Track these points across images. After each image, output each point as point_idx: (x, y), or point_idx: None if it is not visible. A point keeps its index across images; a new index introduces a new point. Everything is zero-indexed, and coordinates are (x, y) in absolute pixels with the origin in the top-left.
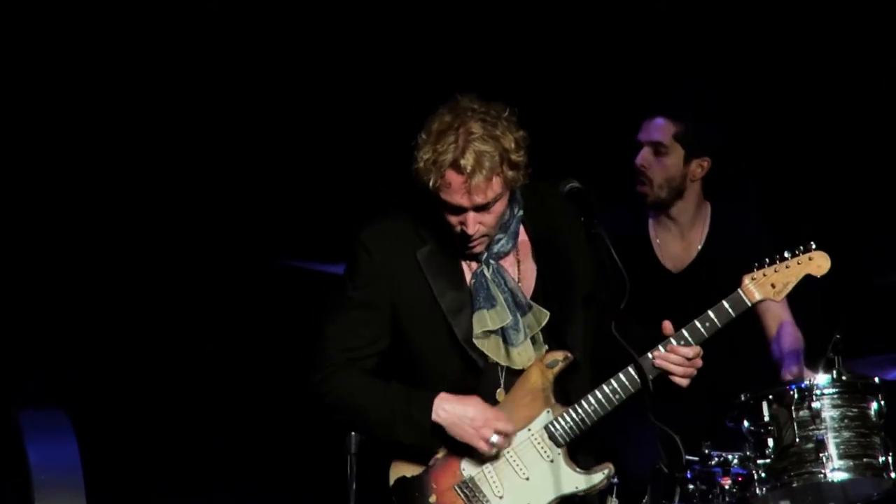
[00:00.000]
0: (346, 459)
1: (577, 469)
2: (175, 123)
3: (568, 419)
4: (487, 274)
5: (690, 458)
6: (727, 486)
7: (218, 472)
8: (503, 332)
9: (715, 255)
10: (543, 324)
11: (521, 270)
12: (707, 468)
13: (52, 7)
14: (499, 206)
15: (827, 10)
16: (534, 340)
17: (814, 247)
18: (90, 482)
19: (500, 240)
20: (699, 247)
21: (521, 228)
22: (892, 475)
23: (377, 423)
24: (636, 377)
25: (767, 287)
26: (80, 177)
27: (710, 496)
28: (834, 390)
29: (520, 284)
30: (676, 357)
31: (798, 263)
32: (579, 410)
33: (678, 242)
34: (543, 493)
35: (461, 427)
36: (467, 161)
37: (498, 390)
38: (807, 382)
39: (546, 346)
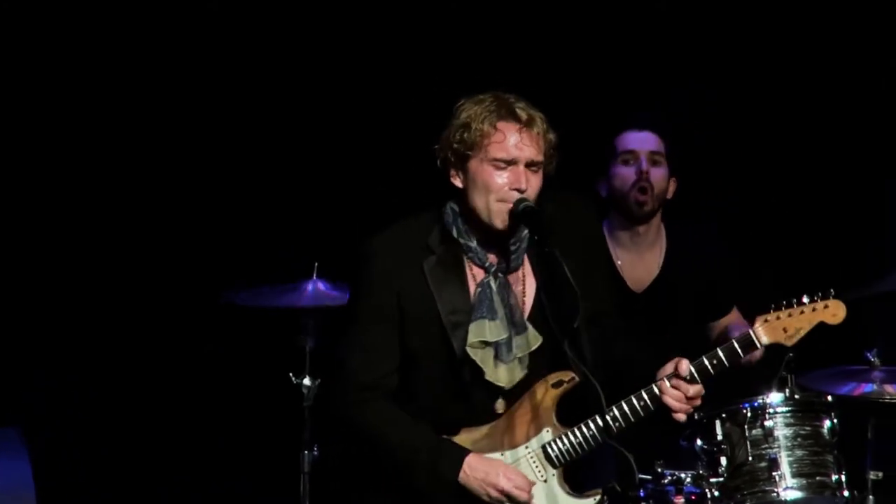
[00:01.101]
0: (299, 479)
1: (569, 491)
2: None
3: (566, 441)
4: (493, 286)
5: (643, 476)
6: None
7: (174, 484)
8: (496, 347)
9: (675, 276)
10: (534, 348)
11: (523, 290)
12: (660, 487)
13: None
14: (541, 176)
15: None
16: (519, 361)
17: (832, 294)
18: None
19: (515, 250)
20: (658, 267)
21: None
22: (846, 493)
23: (400, 463)
24: (639, 407)
25: (780, 331)
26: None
27: None
28: (787, 409)
29: (519, 303)
30: (678, 393)
31: (813, 310)
32: (578, 434)
33: (638, 262)
34: None
35: (486, 491)
36: (522, 112)
37: (498, 401)
38: (760, 401)
39: (527, 371)
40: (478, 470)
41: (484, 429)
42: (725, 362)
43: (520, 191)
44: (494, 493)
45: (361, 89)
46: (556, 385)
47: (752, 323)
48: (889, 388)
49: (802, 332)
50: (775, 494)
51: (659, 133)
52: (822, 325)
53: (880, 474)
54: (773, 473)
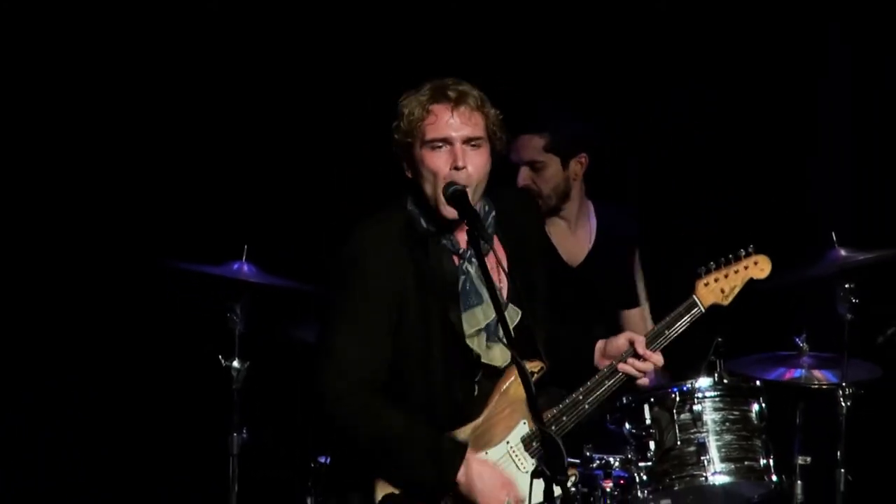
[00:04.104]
0: (228, 461)
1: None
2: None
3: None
4: (472, 271)
5: (572, 460)
6: (608, 489)
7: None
8: (486, 329)
9: (605, 251)
10: (515, 322)
11: (498, 268)
12: (588, 471)
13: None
14: (483, 153)
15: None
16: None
17: (754, 250)
18: None
19: (485, 228)
20: (590, 242)
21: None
22: (773, 478)
23: (392, 464)
24: (603, 389)
25: (717, 292)
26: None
27: (592, 499)
28: (715, 393)
29: (498, 281)
30: (641, 364)
31: (745, 268)
32: (552, 422)
33: (570, 238)
34: None
35: (486, 496)
36: (452, 92)
37: (497, 382)
38: (688, 385)
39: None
40: (488, 478)
41: (467, 429)
42: (676, 329)
43: (458, 168)
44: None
45: (308, 76)
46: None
47: (692, 288)
48: (817, 373)
49: (736, 290)
50: (703, 479)
51: (537, 130)
52: (751, 282)
53: (808, 459)
54: (702, 458)
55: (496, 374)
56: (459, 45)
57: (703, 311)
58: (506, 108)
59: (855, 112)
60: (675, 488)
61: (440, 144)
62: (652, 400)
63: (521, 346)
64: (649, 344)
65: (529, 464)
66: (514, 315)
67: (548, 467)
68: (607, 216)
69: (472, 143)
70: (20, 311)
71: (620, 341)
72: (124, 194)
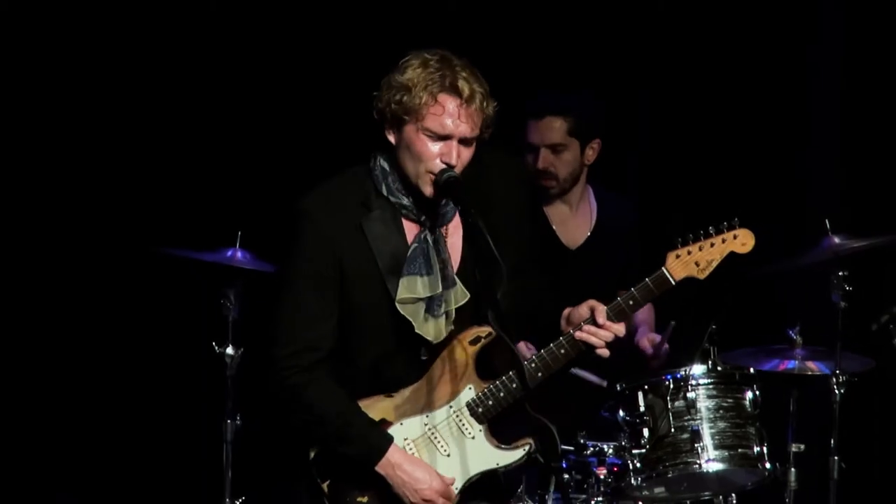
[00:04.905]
0: (221, 448)
1: (498, 445)
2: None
3: (490, 396)
4: (429, 240)
5: (566, 447)
6: (602, 476)
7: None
8: (427, 302)
9: (604, 236)
10: (461, 303)
11: (450, 245)
12: (582, 458)
13: None
14: (472, 149)
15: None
16: (447, 316)
17: (738, 223)
18: None
19: (445, 204)
20: (591, 225)
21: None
22: (767, 465)
23: (328, 436)
24: (560, 355)
25: (692, 265)
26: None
27: (586, 486)
28: (709, 381)
29: (451, 258)
30: (602, 332)
31: (723, 241)
32: (501, 388)
33: (571, 221)
34: (464, 469)
35: (406, 488)
36: (464, 87)
37: (423, 356)
38: (682, 373)
39: (452, 327)
40: (402, 469)
41: (406, 392)
42: (641, 301)
43: (449, 165)
44: (415, 498)
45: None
46: (474, 342)
47: (662, 260)
48: (811, 364)
49: (714, 264)
50: (697, 466)
51: (561, 113)
52: (733, 255)
53: (802, 446)
54: (696, 445)
55: (424, 345)
56: (461, 31)
57: (674, 283)
58: (514, 92)
59: (844, 104)
60: (669, 475)
61: (438, 137)
62: (646, 387)
63: (463, 323)
64: (613, 314)
65: (476, 429)
66: (460, 296)
67: (542, 455)
68: (608, 203)
69: (467, 142)
70: (13, 299)
71: (583, 309)
72: (117, 181)
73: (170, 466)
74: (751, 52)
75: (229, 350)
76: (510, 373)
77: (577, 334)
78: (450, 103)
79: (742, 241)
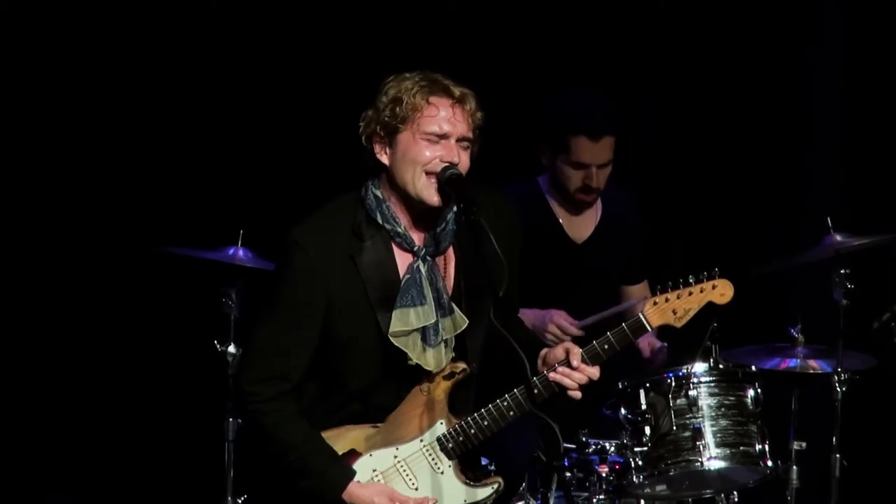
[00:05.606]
0: (224, 446)
1: (466, 482)
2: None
3: (461, 432)
4: (423, 270)
5: (568, 445)
6: (604, 474)
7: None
8: (423, 332)
9: (609, 232)
10: (460, 330)
11: (446, 273)
12: (584, 456)
13: None
14: (469, 155)
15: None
16: (446, 343)
17: (717, 274)
18: None
19: (442, 230)
20: (597, 220)
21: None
22: (769, 463)
23: (289, 465)
24: (533, 395)
25: (668, 314)
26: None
27: (588, 484)
28: (711, 379)
29: (446, 286)
30: (576, 375)
31: (701, 291)
32: (472, 425)
33: (577, 219)
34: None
35: None
36: (454, 89)
37: (423, 386)
38: (684, 371)
39: (453, 353)
40: (361, 497)
41: (378, 425)
42: (617, 346)
43: (452, 164)
44: None
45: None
46: (448, 377)
47: (641, 308)
48: (813, 362)
49: (692, 313)
50: (699, 464)
51: (614, 132)
52: (711, 305)
53: (803, 444)
54: (697, 443)
55: (425, 376)
56: (461, 31)
57: (650, 330)
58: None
59: (844, 104)
60: (671, 473)
61: (436, 138)
62: (648, 385)
63: (463, 350)
64: (588, 357)
65: (445, 464)
66: (459, 322)
67: (545, 454)
68: (613, 200)
69: (465, 142)
70: (14, 298)
71: (558, 351)
72: (119, 180)
73: (171, 465)
74: (751, 52)
75: (231, 349)
76: (482, 410)
77: (552, 375)
78: (443, 104)
79: (721, 291)
